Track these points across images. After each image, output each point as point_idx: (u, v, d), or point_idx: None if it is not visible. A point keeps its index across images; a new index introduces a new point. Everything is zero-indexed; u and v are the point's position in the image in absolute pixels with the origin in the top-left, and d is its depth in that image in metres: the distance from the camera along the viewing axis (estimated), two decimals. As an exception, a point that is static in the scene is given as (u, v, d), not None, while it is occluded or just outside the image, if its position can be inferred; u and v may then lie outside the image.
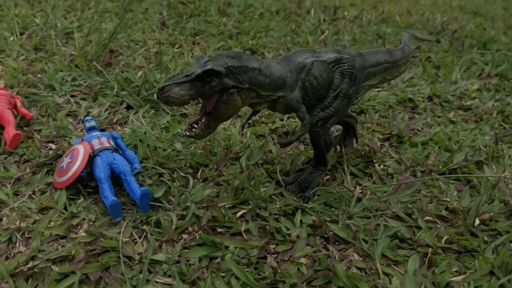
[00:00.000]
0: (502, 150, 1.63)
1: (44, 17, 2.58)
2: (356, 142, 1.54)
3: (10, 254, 1.01)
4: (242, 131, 1.35)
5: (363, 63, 1.30)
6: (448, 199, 1.30)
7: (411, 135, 1.70)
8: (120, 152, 1.31)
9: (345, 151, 1.47)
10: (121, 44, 2.32)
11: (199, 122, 1.09)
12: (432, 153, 1.53)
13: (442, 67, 2.47)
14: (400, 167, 1.47)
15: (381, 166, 1.47)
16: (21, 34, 2.30)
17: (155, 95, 1.73)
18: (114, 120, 1.62)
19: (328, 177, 1.39)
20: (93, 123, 1.38)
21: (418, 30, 3.20)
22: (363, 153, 1.52)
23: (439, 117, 1.91)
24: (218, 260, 1.04)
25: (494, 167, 1.50)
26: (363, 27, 3.21)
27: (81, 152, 1.23)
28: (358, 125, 1.52)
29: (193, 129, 1.08)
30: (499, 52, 2.75)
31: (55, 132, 1.49)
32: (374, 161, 1.49)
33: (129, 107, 1.73)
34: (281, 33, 2.84)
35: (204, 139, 1.45)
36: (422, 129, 1.76)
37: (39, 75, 1.88)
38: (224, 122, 1.55)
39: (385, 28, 3.17)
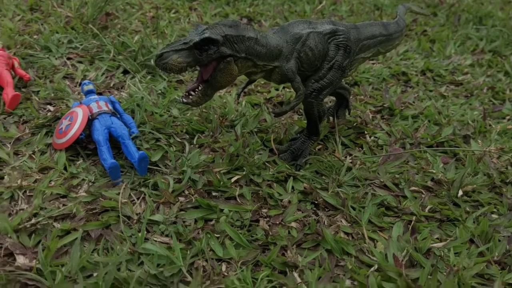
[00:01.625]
0: (489, 125, 1.67)
1: (39, -23, 2.54)
2: (349, 114, 1.57)
3: (12, 211, 1.05)
4: (238, 100, 1.38)
5: (358, 35, 1.32)
6: (434, 171, 1.36)
7: (402, 108, 1.73)
8: (118, 116, 1.33)
9: (337, 122, 1.51)
10: (117, 7, 2.30)
11: (196, 89, 1.11)
12: (422, 126, 1.58)
13: (437, 41, 2.49)
14: (390, 139, 1.51)
15: (372, 138, 1.51)
16: (16, -7, 2.27)
17: (152, 61, 1.74)
18: (111, 84, 1.64)
19: (320, 146, 1.43)
20: (91, 86, 1.40)
21: (416, 2, 3.19)
22: (355, 124, 1.56)
23: (430, 91, 1.94)
24: (213, 222, 1.09)
25: (480, 141, 1.55)
26: (361, -3, 3.19)
27: (80, 114, 1.26)
28: (351, 97, 1.55)
29: (190, 96, 1.10)
30: (494, 28, 2.76)
31: (52, 94, 1.51)
32: (365, 132, 1.53)
33: (125, 72, 1.74)
34: (279, 1, 2.81)
35: (200, 107, 1.48)
36: (414, 102, 1.80)
37: (35, 36, 1.88)
38: (220, 90, 1.57)
39: (383, 0, 3.15)
